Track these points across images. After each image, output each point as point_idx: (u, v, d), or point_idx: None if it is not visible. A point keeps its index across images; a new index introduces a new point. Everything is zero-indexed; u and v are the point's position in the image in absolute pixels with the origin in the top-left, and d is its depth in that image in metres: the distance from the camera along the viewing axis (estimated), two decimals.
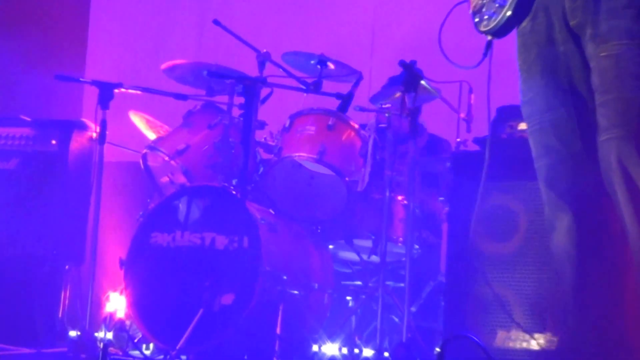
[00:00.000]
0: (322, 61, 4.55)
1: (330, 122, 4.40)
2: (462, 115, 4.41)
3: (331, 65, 4.59)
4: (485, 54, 2.62)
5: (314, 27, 6.07)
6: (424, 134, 4.66)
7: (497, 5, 2.55)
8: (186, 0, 6.52)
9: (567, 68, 2.54)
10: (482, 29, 2.60)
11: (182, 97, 4.46)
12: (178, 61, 4.72)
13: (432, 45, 5.89)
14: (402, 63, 4.10)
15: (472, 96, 4.42)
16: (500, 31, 2.58)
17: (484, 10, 2.59)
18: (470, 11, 2.65)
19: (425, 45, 5.81)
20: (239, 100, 4.32)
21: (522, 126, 3.80)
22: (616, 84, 2.41)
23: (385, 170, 4.29)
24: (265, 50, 4.57)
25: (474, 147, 4.03)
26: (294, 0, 6.30)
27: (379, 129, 4.37)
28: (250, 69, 4.56)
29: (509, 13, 2.53)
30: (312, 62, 4.58)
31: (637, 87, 2.40)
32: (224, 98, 4.58)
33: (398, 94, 4.40)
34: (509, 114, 3.87)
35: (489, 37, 2.60)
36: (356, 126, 4.48)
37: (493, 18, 2.56)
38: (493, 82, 5.73)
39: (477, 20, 2.60)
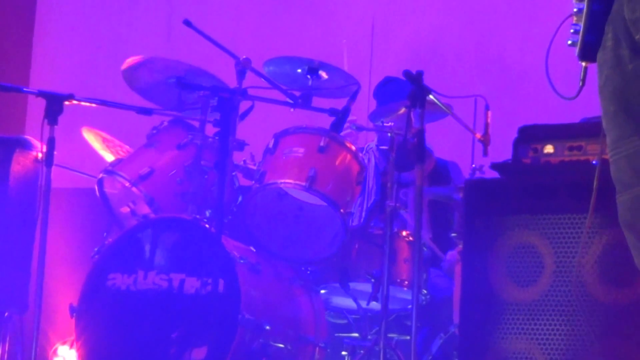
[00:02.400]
0: (313, 70, 4.68)
1: (322, 143, 4.50)
2: (478, 136, 4.51)
3: (324, 75, 4.71)
4: (582, 82, 2.74)
5: (303, 30, 6.22)
6: (430, 159, 4.74)
7: (572, 30, 2.72)
8: None
9: (638, 91, 2.61)
10: (576, 54, 2.76)
11: (146, 111, 4.56)
12: (140, 57, 4.74)
13: (441, 54, 6.03)
14: (407, 74, 4.22)
15: (489, 113, 4.50)
16: (585, 56, 2.71)
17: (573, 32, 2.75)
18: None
19: (433, 54, 5.98)
20: (214, 115, 4.41)
21: (549, 149, 3.89)
22: None
23: (387, 201, 4.40)
24: (245, 57, 4.68)
25: (492, 174, 4.10)
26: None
27: (380, 152, 4.46)
28: (228, 78, 4.69)
29: (580, 39, 2.69)
30: (300, 70, 4.71)
31: None
32: (196, 113, 4.67)
33: (402, 110, 4.53)
34: (533, 134, 3.95)
35: (584, 64, 2.74)
36: (353, 148, 4.58)
37: (577, 42, 2.72)
38: (512, 97, 5.85)
39: (569, 43, 2.76)
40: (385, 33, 6.15)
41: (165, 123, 4.76)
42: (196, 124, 4.66)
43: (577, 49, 2.73)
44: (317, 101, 4.73)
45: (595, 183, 2.99)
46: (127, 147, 4.98)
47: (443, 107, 4.48)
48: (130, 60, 4.77)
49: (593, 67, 2.75)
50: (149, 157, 4.66)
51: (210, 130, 4.51)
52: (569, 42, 2.77)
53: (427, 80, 4.28)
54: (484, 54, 5.99)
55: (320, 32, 6.18)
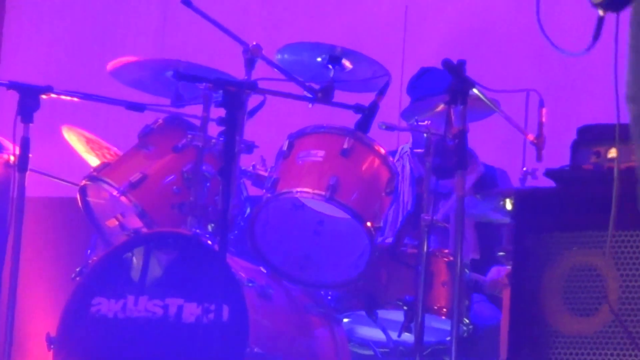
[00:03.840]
0: (335, 59, 4.69)
1: (345, 146, 4.50)
2: (531, 137, 4.52)
3: (348, 64, 4.72)
4: (595, 36, 2.71)
5: (323, 12, 6.22)
6: (476, 166, 4.75)
7: None
8: None
9: None
10: (593, 0, 2.69)
11: (138, 107, 4.56)
12: (130, 58, 4.80)
13: (486, 40, 6.04)
14: (446, 64, 4.24)
15: (544, 111, 4.52)
16: (613, 3, 2.67)
17: None
18: None
19: (478, 40, 5.99)
20: (218, 112, 4.38)
21: (613, 153, 3.90)
22: None
23: (422, 214, 4.43)
24: (254, 44, 4.69)
25: (547, 183, 4.11)
26: None
27: (416, 156, 4.47)
28: (234, 69, 4.69)
29: None
30: (320, 59, 4.72)
31: None
32: (197, 109, 4.69)
33: (441, 107, 4.56)
34: (595, 136, 3.96)
35: (601, 12, 2.69)
36: (382, 151, 4.58)
37: None
38: (570, 91, 5.85)
39: None
40: (420, 15, 6.16)
41: (160, 121, 4.76)
42: (197, 122, 4.65)
43: None
44: (339, 96, 4.74)
45: (614, 191, 3.00)
46: (115, 149, 4.98)
47: (489, 103, 4.48)
48: (115, 62, 4.77)
49: (609, 19, 2.70)
50: (141, 161, 4.67)
51: (214, 129, 4.51)
52: None
53: (470, 72, 4.29)
54: (537, 40, 5.98)
55: (344, 14, 6.20)
